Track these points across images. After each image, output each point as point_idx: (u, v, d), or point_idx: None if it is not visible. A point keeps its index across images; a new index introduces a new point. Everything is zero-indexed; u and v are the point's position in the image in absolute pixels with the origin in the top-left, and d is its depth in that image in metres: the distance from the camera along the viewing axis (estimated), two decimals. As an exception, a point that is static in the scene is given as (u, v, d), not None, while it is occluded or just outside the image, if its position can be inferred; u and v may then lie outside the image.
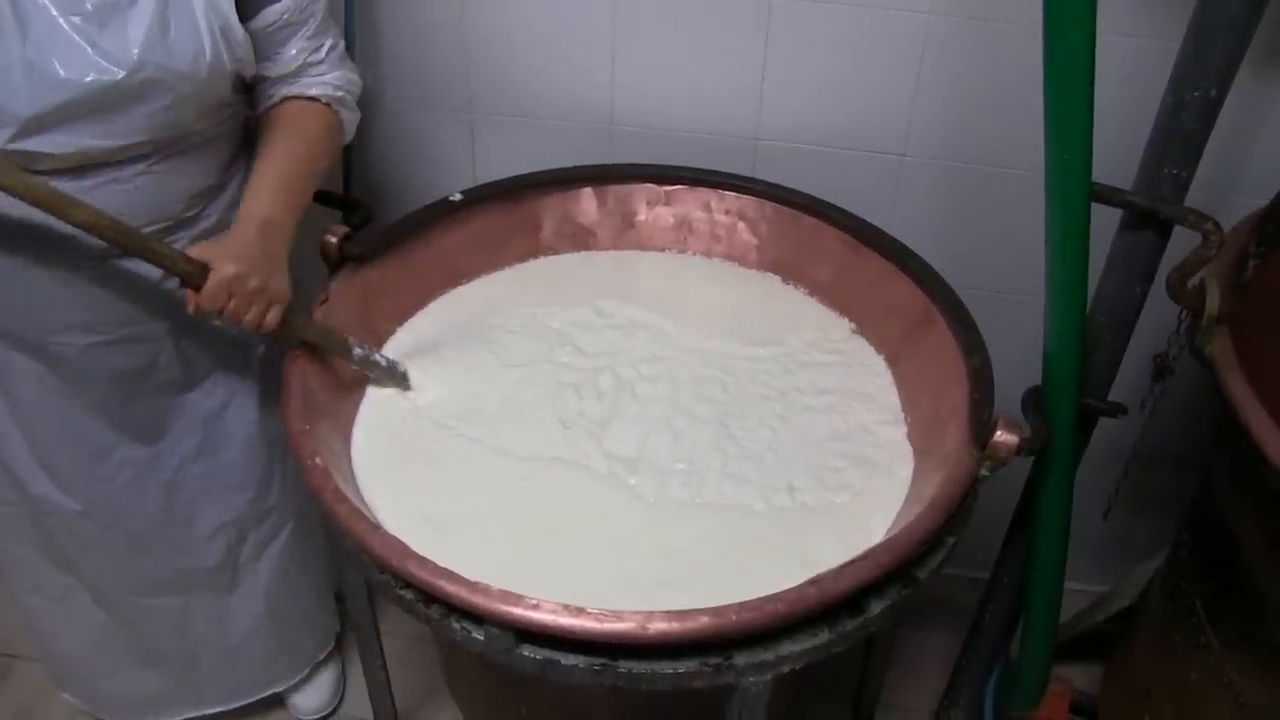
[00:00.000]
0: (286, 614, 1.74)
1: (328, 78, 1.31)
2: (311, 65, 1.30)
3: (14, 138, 1.11)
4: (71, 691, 1.78)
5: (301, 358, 1.27)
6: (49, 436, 1.41)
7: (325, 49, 1.30)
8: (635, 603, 1.00)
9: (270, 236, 1.22)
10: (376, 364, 1.34)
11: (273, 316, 1.21)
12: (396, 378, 1.37)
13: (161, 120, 1.18)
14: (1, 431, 1.41)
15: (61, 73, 1.09)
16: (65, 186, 1.18)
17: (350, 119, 1.37)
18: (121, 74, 1.11)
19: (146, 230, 1.25)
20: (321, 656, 1.87)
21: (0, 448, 1.43)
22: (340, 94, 1.33)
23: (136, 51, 1.11)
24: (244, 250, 1.19)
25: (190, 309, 1.19)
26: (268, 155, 1.28)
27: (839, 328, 1.49)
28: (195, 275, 1.16)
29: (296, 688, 1.87)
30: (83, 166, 1.18)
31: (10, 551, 1.58)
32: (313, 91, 1.30)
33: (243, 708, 1.82)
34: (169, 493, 1.51)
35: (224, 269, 1.16)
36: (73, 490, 1.46)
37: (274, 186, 1.25)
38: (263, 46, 1.25)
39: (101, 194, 1.20)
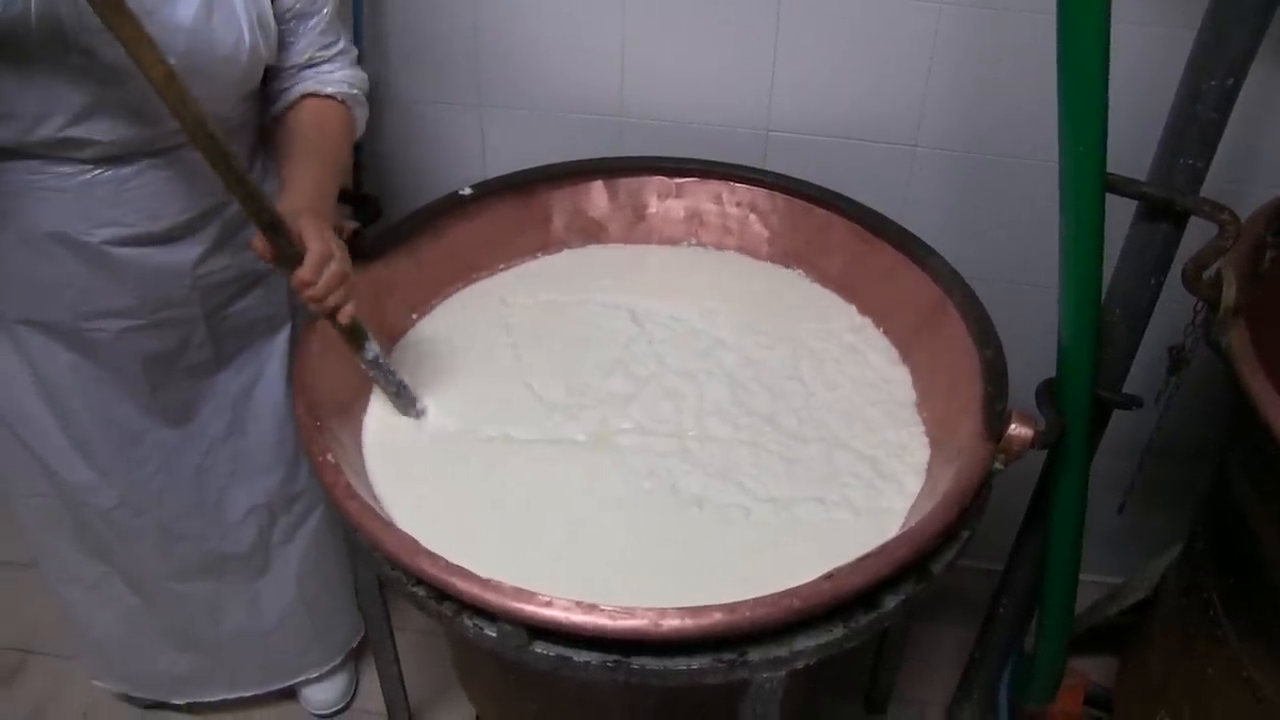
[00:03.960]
0: (319, 600, 1.76)
1: (340, 75, 1.33)
2: (321, 61, 1.31)
3: (65, 125, 1.13)
4: (106, 678, 1.81)
5: (313, 350, 1.27)
6: (84, 423, 1.43)
7: (336, 48, 1.32)
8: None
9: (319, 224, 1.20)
10: (393, 379, 1.29)
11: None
12: (408, 401, 1.31)
13: None
14: (36, 420, 1.42)
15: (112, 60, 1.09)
16: (106, 176, 1.20)
17: (362, 115, 1.39)
18: (171, 60, 1.09)
19: (180, 220, 1.28)
20: (355, 644, 1.89)
21: (34, 439, 1.44)
22: (354, 92, 1.35)
23: (184, 38, 1.12)
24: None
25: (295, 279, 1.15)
26: (301, 154, 1.27)
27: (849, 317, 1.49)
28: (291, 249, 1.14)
29: (312, 680, 1.87)
30: (122, 156, 1.20)
31: (44, 543, 1.60)
32: (329, 90, 1.32)
33: (257, 699, 1.84)
34: (200, 476, 1.53)
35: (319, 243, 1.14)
36: (110, 476, 1.48)
37: (313, 183, 1.24)
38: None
39: (140, 182, 1.22)
